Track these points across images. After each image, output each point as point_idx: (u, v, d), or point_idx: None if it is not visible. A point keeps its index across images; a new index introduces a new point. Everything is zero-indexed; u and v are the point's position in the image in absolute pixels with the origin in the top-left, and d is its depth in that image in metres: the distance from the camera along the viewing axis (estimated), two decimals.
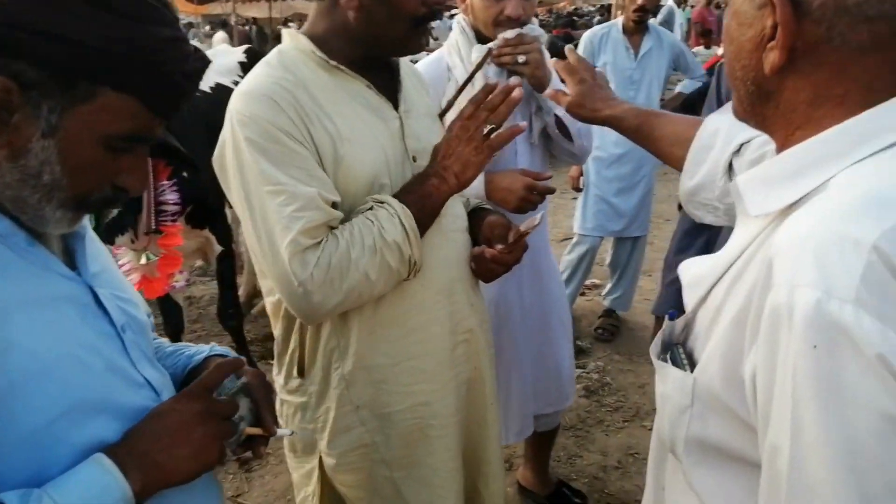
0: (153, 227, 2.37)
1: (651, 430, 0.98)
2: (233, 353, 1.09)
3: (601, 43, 3.59)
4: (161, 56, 0.78)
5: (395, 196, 1.26)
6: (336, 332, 1.34)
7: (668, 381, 0.80)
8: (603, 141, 3.58)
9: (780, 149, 0.74)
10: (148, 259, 2.37)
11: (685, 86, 3.91)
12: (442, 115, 1.54)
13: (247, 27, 14.09)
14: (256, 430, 0.94)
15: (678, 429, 0.77)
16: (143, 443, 0.81)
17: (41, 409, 0.75)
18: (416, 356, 1.38)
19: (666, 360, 0.81)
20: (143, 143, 0.84)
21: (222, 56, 3.31)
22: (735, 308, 0.69)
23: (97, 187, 0.82)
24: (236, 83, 3.13)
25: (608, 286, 3.92)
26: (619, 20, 3.67)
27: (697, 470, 0.76)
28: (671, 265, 1.81)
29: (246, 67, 3.30)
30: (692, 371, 0.76)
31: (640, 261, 3.86)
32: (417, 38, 1.30)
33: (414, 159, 1.35)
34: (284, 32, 1.38)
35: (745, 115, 0.79)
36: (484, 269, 1.43)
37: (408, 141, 1.35)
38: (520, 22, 1.78)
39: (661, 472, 0.90)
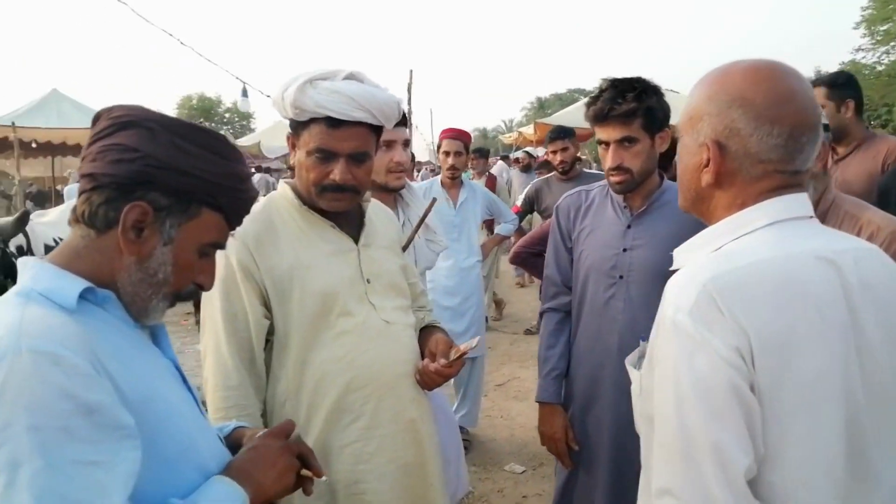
0: None
1: None
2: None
3: (425, 196, 4.22)
4: (241, 185, 1.10)
5: None
6: (301, 417, 1.60)
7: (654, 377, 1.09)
8: (435, 274, 4.14)
9: None
10: None
11: (502, 229, 4.66)
12: (404, 248, 1.95)
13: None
14: (308, 473, 1.16)
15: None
16: (246, 467, 1.07)
17: (175, 442, 0.98)
18: (361, 440, 1.64)
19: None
20: (219, 248, 1.12)
21: None
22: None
23: (187, 284, 1.08)
24: None
25: (455, 405, 4.29)
26: (438, 177, 4.37)
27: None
28: (545, 359, 2.24)
29: None
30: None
31: (480, 379, 4.32)
32: (325, 202, 1.66)
33: (368, 280, 1.70)
34: (281, 182, 1.77)
35: (689, 208, 1.19)
36: (427, 380, 1.71)
37: (363, 267, 1.71)
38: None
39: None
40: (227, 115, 59.10)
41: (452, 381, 4.32)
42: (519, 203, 4.71)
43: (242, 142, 18.45)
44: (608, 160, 2.00)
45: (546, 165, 6.91)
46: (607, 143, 2.00)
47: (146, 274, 1.01)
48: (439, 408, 2.49)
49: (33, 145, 11.62)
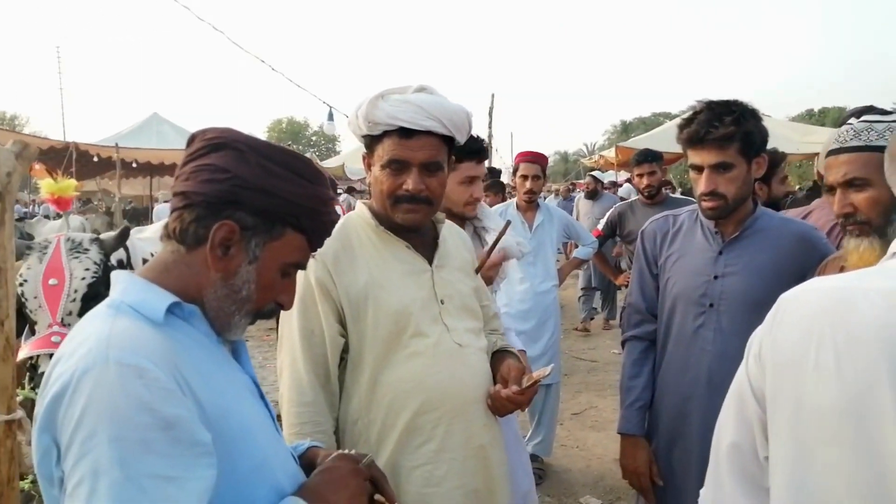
0: None
1: None
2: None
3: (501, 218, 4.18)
4: (324, 208, 1.11)
5: None
6: (373, 436, 1.61)
7: None
8: (510, 298, 4.08)
9: None
10: None
11: (580, 252, 4.57)
12: (477, 271, 1.93)
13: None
14: (381, 498, 1.14)
15: None
16: (319, 488, 1.06)
17: (249, 459, 0.98)
18: (431, 462, 1.62)
19: None
20: (300, 269, 1.13)
21: None
22: None
23: (268, 302, 1.09)
24: None
25: (528, 433, 4.19)
26: (513, 200, 4.32)
27: None
28: (627, 389, 2.15)
29: None
30: None
31: (555, 407, 4.21)
32: (399, 213, 1.66)
33: (442, 301, 1.70)
34: (358, 202, 1.80)
35: None
36: (499, 406, 1.68)
37: (437, 288, 1.70)
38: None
39: None
40: (313, 137, 61.36)
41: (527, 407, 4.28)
42: (600, 227, 4.60)
43: (328, 164, 18.95)
44: (701, 185, 1.91)
45: (614, 186, 6.66)
46: (700, 168, 1.92)
47: (231, 290, 1.03)
48: (510, 434, 2.44)
49: (133, 165, 12.37)
